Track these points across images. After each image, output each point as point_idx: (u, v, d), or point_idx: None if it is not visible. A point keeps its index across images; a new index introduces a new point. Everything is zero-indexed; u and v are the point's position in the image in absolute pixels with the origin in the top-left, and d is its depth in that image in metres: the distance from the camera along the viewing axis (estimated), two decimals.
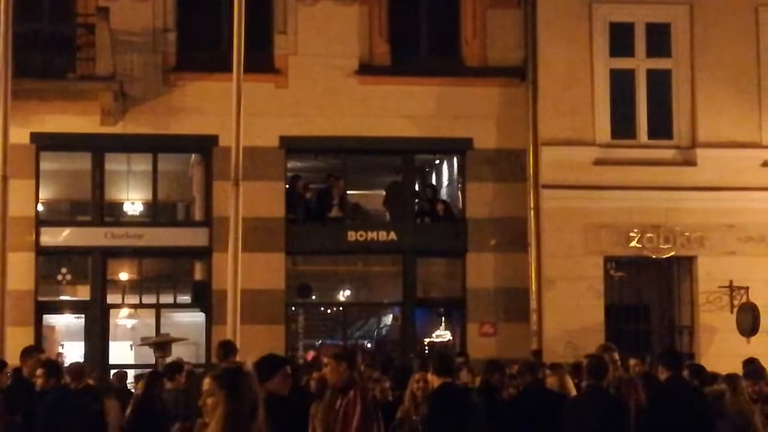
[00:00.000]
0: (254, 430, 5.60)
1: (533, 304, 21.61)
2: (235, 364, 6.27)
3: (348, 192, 23.18)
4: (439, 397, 10.34)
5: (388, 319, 24.36)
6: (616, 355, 13.13)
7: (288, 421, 8.35)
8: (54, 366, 12.16)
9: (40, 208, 22.07)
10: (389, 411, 11.34)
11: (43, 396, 11.48)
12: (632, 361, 14.35)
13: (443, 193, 24.11)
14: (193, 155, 23.05)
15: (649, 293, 22.59)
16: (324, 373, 10.02)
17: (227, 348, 13.21)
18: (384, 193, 23.71)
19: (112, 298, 22.34)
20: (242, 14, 16.39)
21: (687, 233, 21.79)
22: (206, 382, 5.70)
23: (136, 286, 22.63)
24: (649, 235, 21.75)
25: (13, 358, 13.61)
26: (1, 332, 15.01)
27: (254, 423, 5.61)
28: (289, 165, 22.50)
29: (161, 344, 19.37)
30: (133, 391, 16.39)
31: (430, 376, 10.60)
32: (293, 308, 22.98)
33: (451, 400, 10.34)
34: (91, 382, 13.98)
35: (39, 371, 11.83)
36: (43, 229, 21.73)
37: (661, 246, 21.80)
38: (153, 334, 21.59)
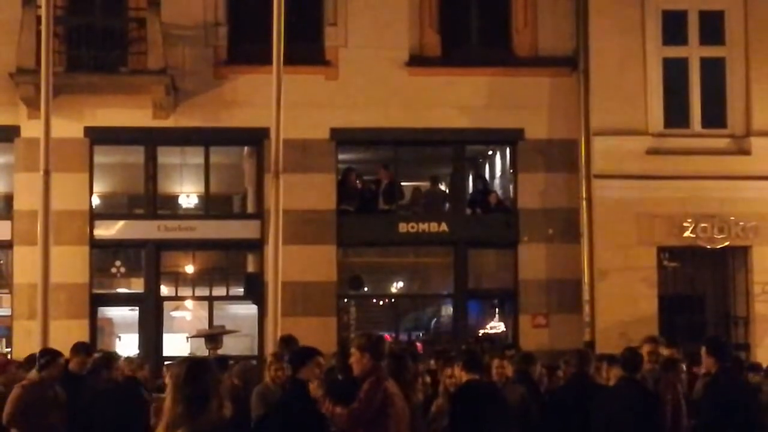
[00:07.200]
0: (207, 417, 5.68)
1: (586, 295, 21.48)
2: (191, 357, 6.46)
3: (401, 183, 23.12)
4: (462, 393, 10.32)
5: (441, 311, 24.27)
6: (661, 348, 12.95)
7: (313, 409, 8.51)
8: (99, 362, 12.27)
9: (94, 201, 22.26)
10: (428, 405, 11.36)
11: (86, 389, 11.62)
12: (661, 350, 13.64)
13: (495, 183, 23.98)
14: (246, 148, 23.13)
15: (703, 284, 22.38)
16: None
17: (288, 343, 12.66)
18: (444, 186, 23.68)
19: (165, 291, 22.53)
20: (281, 8, 16.39)
21: (742, 223, 21.54)
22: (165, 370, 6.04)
23: (190, 279, 22.80)
24: (703, 225, 21.53)
25: (66, 351, 13.67)
26: (45, 325, 15.03)
27: (206, 410, 5.69)
28: (341, 157, 22.50)
29: (212, 336, 19.42)
30: None
31: (458, 372, 10.57)
32: (345, 300, 23.00)
33: (475, 397, 10.28)
34: (134, 374, 14.08)
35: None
36: (97, 222, 21.90)
37: (715, 236, 21.58)
38: (207, 326, 21.70)
